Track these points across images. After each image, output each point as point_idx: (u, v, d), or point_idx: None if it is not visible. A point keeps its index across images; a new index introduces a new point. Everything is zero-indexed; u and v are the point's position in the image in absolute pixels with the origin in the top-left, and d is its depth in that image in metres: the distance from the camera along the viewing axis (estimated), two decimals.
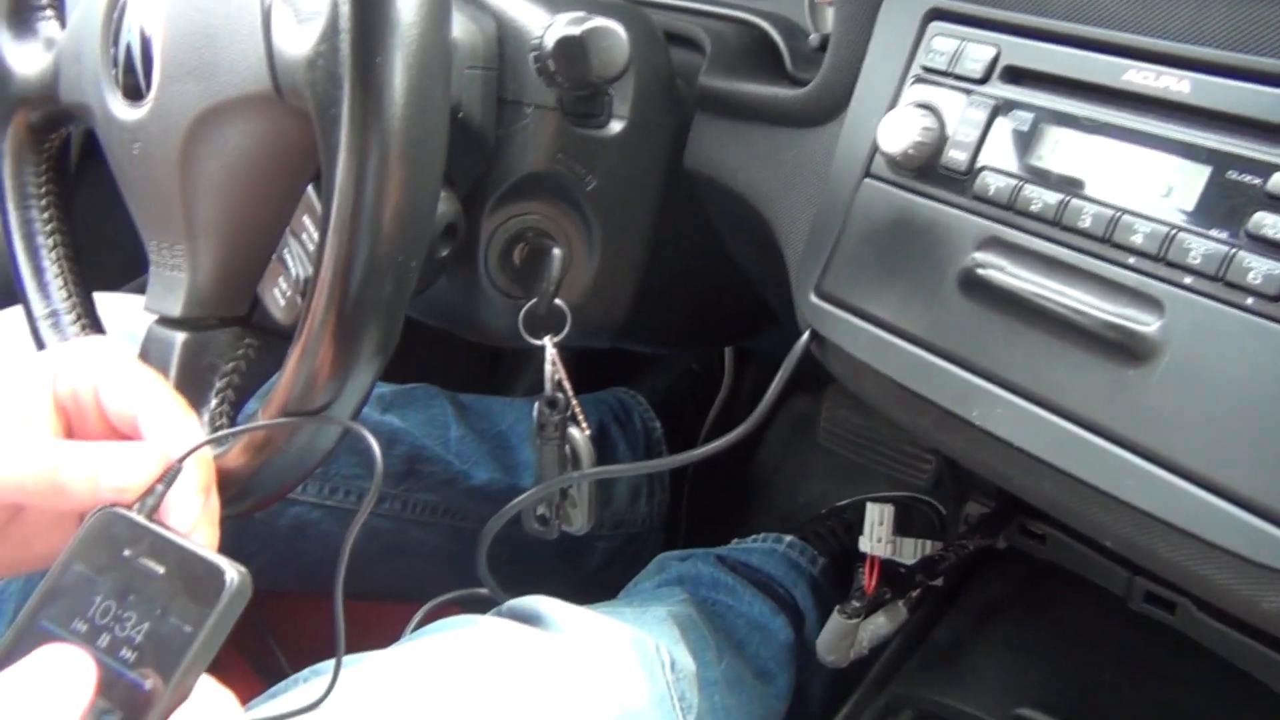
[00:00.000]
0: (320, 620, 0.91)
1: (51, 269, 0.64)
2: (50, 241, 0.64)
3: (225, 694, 0.38)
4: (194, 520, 0.41)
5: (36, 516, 0.44)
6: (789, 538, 0.94)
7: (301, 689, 0.55)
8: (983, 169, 0.48)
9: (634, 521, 1.05)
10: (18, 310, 0.68)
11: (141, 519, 0.40)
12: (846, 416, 1.10)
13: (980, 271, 0.47)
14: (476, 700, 0.52)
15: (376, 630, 0.64)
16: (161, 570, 0.38)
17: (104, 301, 0.65)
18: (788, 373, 0.54)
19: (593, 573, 1.01)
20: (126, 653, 0.37)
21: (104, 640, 0.37)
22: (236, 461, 0.50)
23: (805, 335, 0.55)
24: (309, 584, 0.87)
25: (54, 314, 0.63)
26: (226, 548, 0.80)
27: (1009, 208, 0.46)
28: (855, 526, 0.96)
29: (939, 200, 0.49)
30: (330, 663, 0.55)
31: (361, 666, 0.54)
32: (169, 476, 0.41)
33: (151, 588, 0.38)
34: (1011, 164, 0.47)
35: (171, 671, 0.36)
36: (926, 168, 0.50)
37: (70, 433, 0.44)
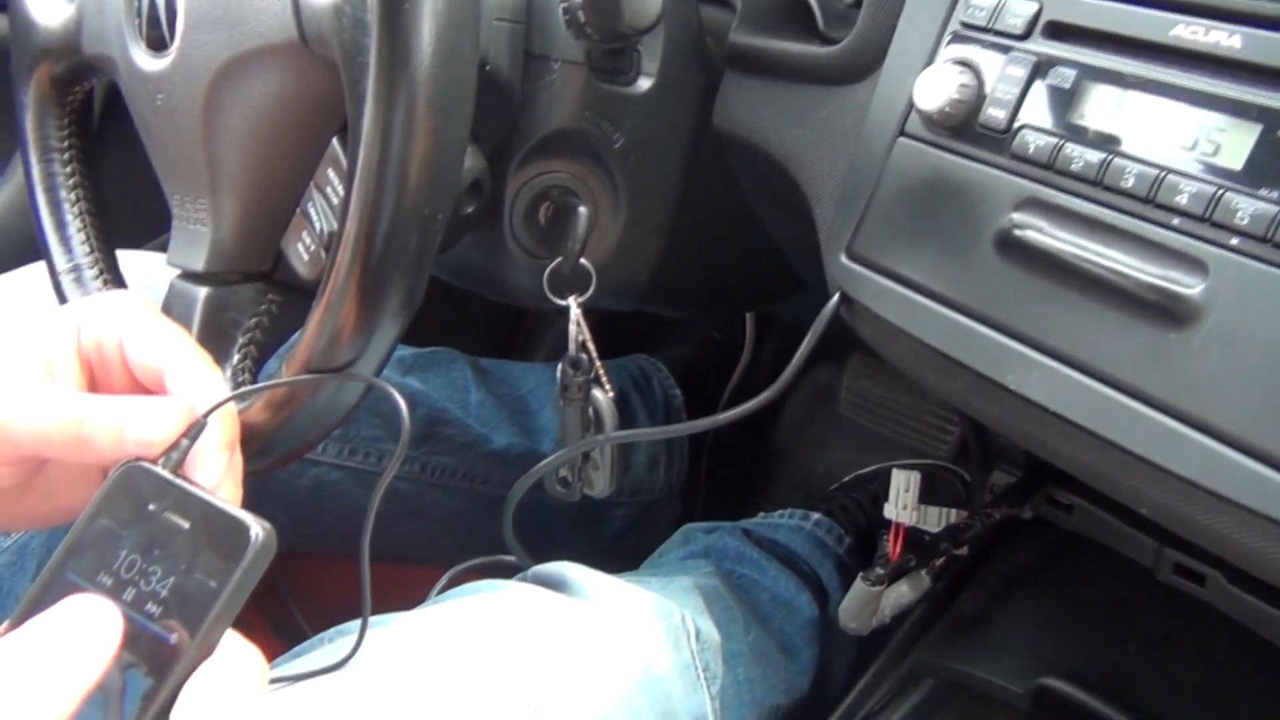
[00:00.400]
0: (338, 582, 0.91)
1: (74, 223, 0.63)
2: (73, 196, 0.64)
3: (251, 650, 0.37)
4: (219, 476, 0.41)
5: (60, 470, 0.44)
6: (816, 515, 0.94)
7: (326, 649, 0.54)
8: (1022, 128, 0.46)
9: (652, 489, 1.05)
10: (40, 266, 0.68)
11: (167, 474, 0.40)
12: (869, 386, 1.09)
13: (1018, 232, 0.46)
14: (505, 663, 0.52)
15: (395, 592, 0.64)
16: (186, 525, 0.38)
17: (126, 258, 0.65)
18: (816, 336, 0.53)
19: (611, 540, 1.01)
20: (152, 607, 0.37)
21: (129, 594, 0.37)
22: (259, 418, 0.50)
23: (835, 298, 0.54)
24: (328, 545, 0.87)
25: (76, 269, 0.63)
26: (247, 507, 0.80)
27: (1048, 167, 0.45)
28: (880, 499, 0.96)
29: (976, 159, 0.48)
30: (355, 623, 0.55)
31: (390, 628, 0.54)
32: (194, 431, 0.41)
33: (176, 542, 0.38)
34: (1052, 122, 0.46)
35: (196, 626, 0.36)
36: (963, 126, 0.49)
37: (94, 386, 0.44)
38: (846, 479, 1.07)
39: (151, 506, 0.39)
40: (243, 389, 0.51)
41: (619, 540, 1.01)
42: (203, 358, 0.43)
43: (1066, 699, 0.60)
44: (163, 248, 0.58)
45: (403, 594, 0.66)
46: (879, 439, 1.10)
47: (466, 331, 1.04)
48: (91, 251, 0.63)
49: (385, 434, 0.85)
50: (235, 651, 0.36)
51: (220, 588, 0.36)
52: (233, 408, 0.43)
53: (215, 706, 0.34)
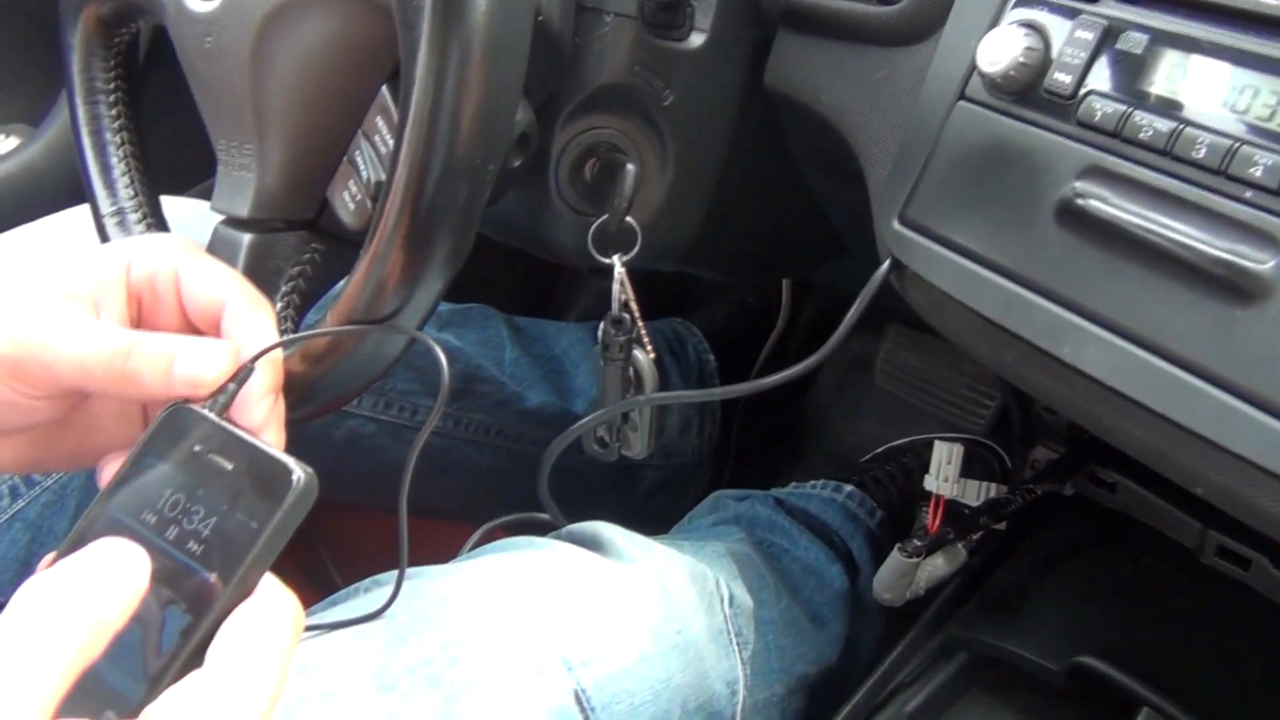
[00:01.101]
0: (369, 534, 0.92)
1: (119, 166, 0.63)
2: (118, 139, 0.63)
3: (288, 595, 0.38)
4: (263, 420, 0.41)
5: (99, 408, 0.44)
6: (849, 487, 0.93)
7: (362, 599, 0.55)
8: (1088, 94, 0.45)
9: (684, 453, 1.04)
10: (84, 209, 0.68)
11: (214, 416, 0.40)
12: (906, 357, 1.08)
13: (1080, 202, 0.44)
14: (541, 618, 0.52)
15: (425, 546, 0.63)
16: (230, 467, 0.38)
17: (168, 204, 0.65)
18: (865, 301, 0.52)
19: (639, 502, 1.01)
20: (193, 545, 0.37)
21: (171, 532, 0.37)
22: (299, 367, 0.49)
23: (885, 264, 0.53)
24: (361, 497, 0.88)
25: (120, 212, 0.62)
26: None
27: (1115, 135, 0.44)
28: (914, 473, 0.95)
29: (1039, 126, 0.47)
30: (391, 574, 0.55)
31: (426, 580, 0.54)
32: (241, 375, 0.41)
33: (220, 484, 0.38)
34: (1120, 89, 0.44)
35: (235, 566, 0.36)
36: (1027, 91, 0.47)
37: (139, 325, 0.44)
38: (879, 450, 1.06)
39: (197, 448, 0.39)
40: (290, 336, 0.50)
41: (647, 503, 1.01)
42: (258, 299, 0.43)
43: (1102, 677, 0.60)
44: (204, 195, 0.58)
45: (433, 548, 0.66)
46: (913, 411, 1.09)
47: (502, 289, 1.04)
48: (135, 195, 0.63)
49: (420, 388, 0.85)
50: (273, 594, 0.37)
51: (260, 529, 0.37)
52: (278, 354, 0.43)
53: (250, 645, 0.35)
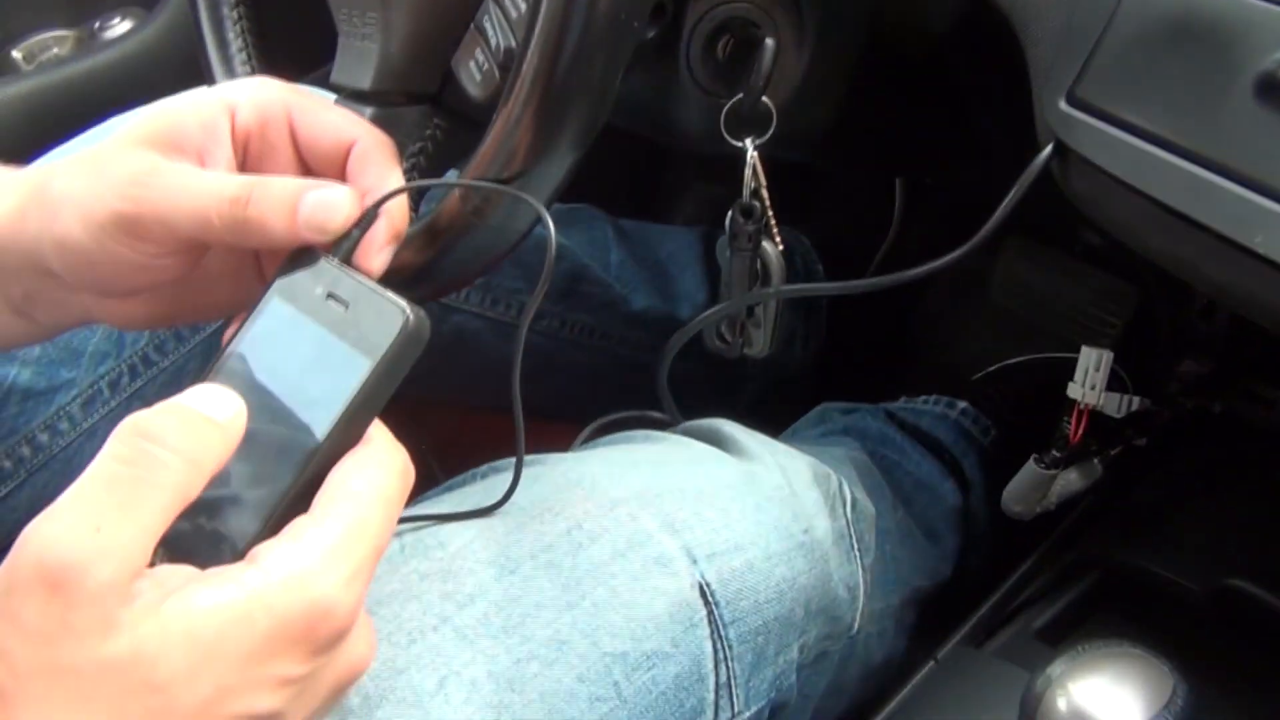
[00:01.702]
0: (473, 434, 0.92)
1: (235, 42, 0.62)
2: (235, 14, 0.62)
3: (398, 446, 0.37)
4: (381, 268, 0.40)
5: (220, 261, 0.43)
6: (962, 404, 0.90)
7: (479, 484, 0.54)
8: None
9: (787, 365, 1.02)
10: (201, 91, 0.67)
11: (337, 262, 0.39)
12: (1025, 271, 1.03)
13: None
14: (666, 507, 0.50)
15: (532, 442, 0.62)
16: (346, 311, 0.38)
17: None
18: (1024, 188, 0.48)
19: (741, 415, 0.99)
20: (307, 389, 0.37)
21: (286, 377, 0.38)
22: (423, 241, 0.48)
23: (1047, 149, 0.49)
24: (466, 395, 0.87)
25: None
26: None
27: None
28: (1030, 394, 0.91)
29: None
30: (508, 460, 0.54)
31: (545, 468, 0.53)
32: (365, 220, 0.40)
33: (336, 328, 0.37)
34: None
35: (343, 408, 0.36)
36: None
37: (249, 171, 0.42)
38: (993, 369, 1.02)
39: (318, 291, 0.38)
40: (419, 183, 0.49)
41: (749, 416, 0.99)
42: (385, 141, 0.42)
43: (1253, 601, 0.56)
44: (320, 82, 0.56)
45: (540, 444, 0.65)
46: (1029, 329, 1.04)
47: (608, 192, 1.01)
48: (253, 73, 0.62)
49: (527, 286, 0.84)
50: (382, 443, 0.37)
51: (369, 372, 0.36)
52: (404, 202, 0.41)
53: (358, 492, 0.35)
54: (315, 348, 0.37)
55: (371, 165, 0.41)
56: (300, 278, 0.39)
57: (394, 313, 0.37)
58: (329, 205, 0.39)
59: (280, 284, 0.39)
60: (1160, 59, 0.45)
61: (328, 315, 0.38)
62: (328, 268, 0.39)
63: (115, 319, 0.44)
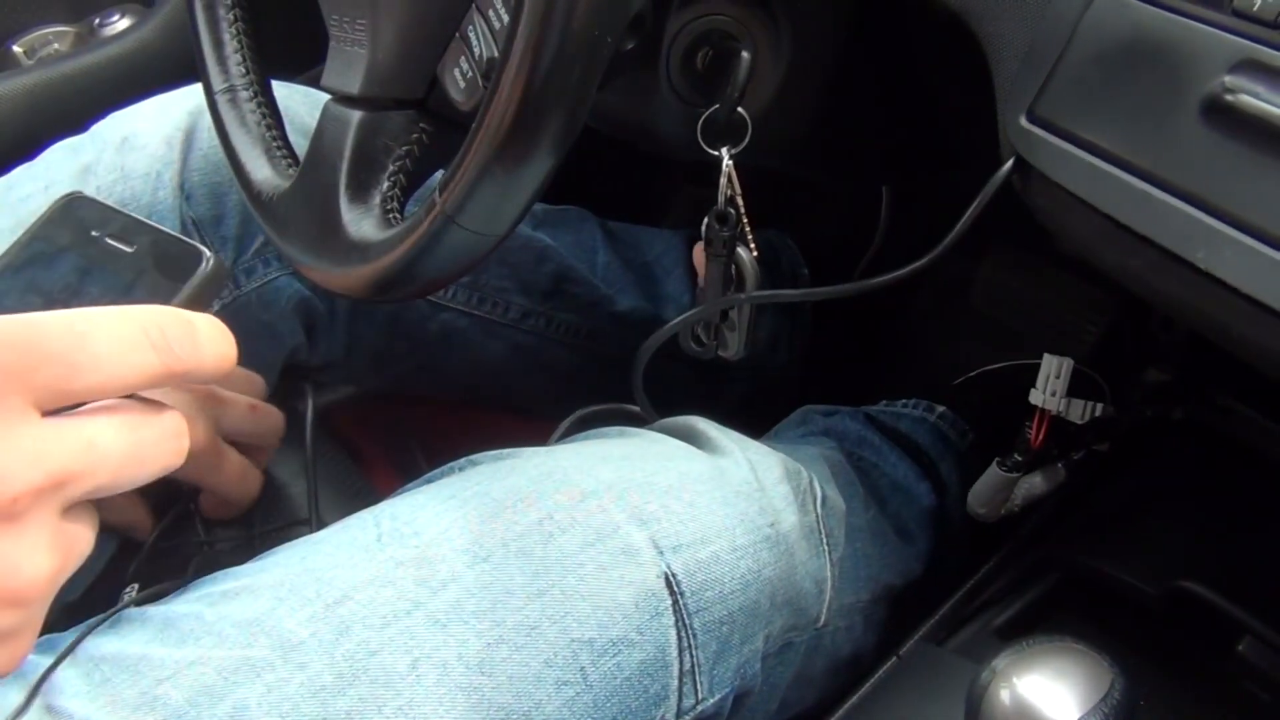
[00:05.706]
0: (460, 429, 0.93)
1: (231, 44, 0.63)
2: (231, 15, 0.63)
3: None
4: None
5: None
6: (941, 408, 0.92)
7: (455, 477, 0.55)
8: None
9: (772, 368, 1.03)
10: (195, 88, 0.69)
11: (110, 203, 0.38)
12: (1008, 278, 1.05)
13: (1230, 97, 0.42)
14: (636, 500, 0.52)
15: (510, 441, 0.64)
16: (131, 250, 0.37)
17: (277, 89, 0.65)
18: (984, 201, 0.50)
19: (724, 416, 1.01)
20: None
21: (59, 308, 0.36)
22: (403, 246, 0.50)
23: (1007, 164, 0.51)
24: (453, 392, 0.89)
25: (231, 89, 0.63)
26: (377, 348, 0.81)
27: (1275, 26, 0.41)
28: (1008, 398, 0.93)
29: (1188, 15, 0.44)
30: (486, 454, 0.56)
31: (521, 460, 0.55)
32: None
33: (118, 265, 0.37)
34: None
35: None
36: None
37: None
38: (973, 374, 1.04)
39: (94, 233, 0.37)
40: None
41: (732, 417, 1.01)
42: None
43: (1204, 603, 0.58)
44: (312, 82, 0.58)
45: (523, 439, 0.66)
46: (1010, 335, 1.06)
47: (597, 194, 1.03)
48: (247, 74, 0.63)
49: (513, 285, 0.85)
50: None
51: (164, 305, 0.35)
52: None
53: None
54: (96, 285, 0.36)
55: None
56: (76, 218, 0.38)
57: (191, 253, 0.37)
58: None
59: (50, 223, 0.38)
60: (1115, 80, 0.46)
61: (106, 254, 0.37)
62: (107, 209, 0.38)
63: None
